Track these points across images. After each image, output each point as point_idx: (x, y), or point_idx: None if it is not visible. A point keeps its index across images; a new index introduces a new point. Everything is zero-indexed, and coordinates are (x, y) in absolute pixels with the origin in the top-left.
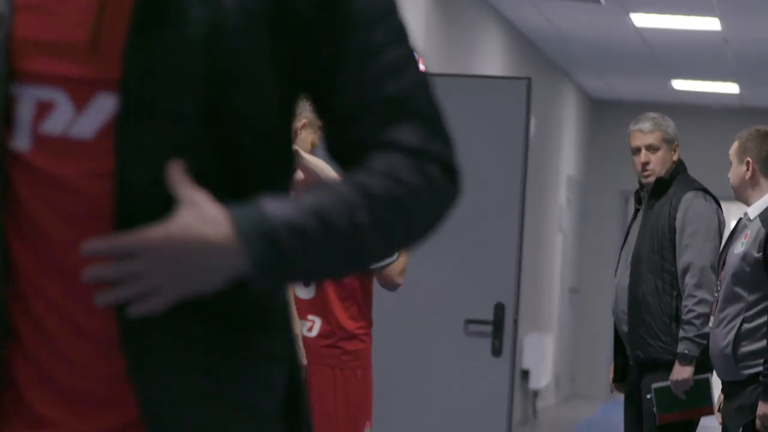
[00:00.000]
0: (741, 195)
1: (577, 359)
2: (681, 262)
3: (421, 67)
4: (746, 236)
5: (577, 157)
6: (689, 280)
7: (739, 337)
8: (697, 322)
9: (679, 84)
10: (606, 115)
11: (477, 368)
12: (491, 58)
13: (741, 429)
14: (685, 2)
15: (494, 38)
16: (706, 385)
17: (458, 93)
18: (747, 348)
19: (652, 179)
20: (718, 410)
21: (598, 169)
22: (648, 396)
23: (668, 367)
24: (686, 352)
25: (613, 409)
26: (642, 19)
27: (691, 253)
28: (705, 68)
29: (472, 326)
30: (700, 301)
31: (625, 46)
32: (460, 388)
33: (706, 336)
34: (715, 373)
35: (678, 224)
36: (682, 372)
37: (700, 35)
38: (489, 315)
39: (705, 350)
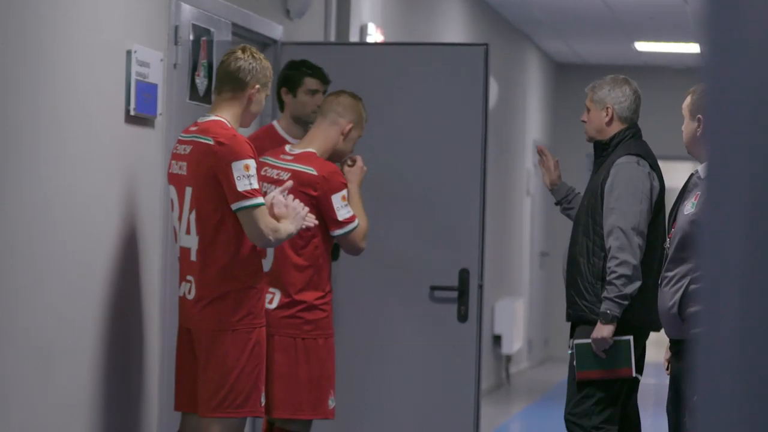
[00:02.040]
0: (692, 151)
1: (549, 323)
2: (606, 225)
3: (380, 37)
4: (696, 197)
5: (543, 121)
6: (612, 242)
7: (686, 298)
8: (618, 282)
9: (642, 45)
10: (570, 78)
11: (444, 334)
12: (452, 26)
13: None
14: None
15: (454, 4)
16: (627, 347)
17: (417, 61)
18: (695, 309)
19: (586, 137)
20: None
21: (564, 133)
22: (570, 351)
23: (592, 326)
24: (607, 311)
25: None
26: None
27: (616, 216)
28: (666, 29)
29: (438, 293)
30: (622, 263)
31: (586, 9)
32: (427, 354)
33: (627, 297)
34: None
35: (607, 187)
36: (602, 330)
37: None
38: (454, 281)
39: (628, 311)
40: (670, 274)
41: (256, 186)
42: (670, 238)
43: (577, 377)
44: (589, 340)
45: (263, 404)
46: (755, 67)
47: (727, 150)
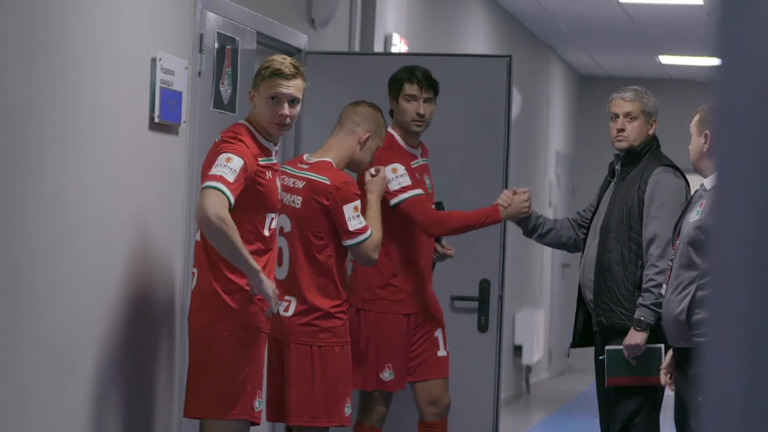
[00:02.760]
0: (698, 166)
1: (570, 333)
2: (647, 233)
3: (404, 47)
4: (701, 205)
5: (566, 133)
6: (653, 250)
7: (694, 304)
8: (656, 291)
9: (666, 59)
10: (594, 91)
11: (464, 344)
12: (476, 37)
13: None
14: None
15: (478, 16)
16: (658, 354)
17: (440, 72)
18: (701, 315)
19: (623, 145)
20: (669, 377)
21: (587, 144)
22: (600, 357)
23: (627, 334)
24: (642, 318)
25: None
26: None
27: (658, 225)
28: (690, 42)
29: (458, 303)
30: (661, 271)
31: (610, 21)
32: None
33: (662, 305)
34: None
35: (647, 196)
36: (635, 337)
37: (684, 9)
38: (475, 291)
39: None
40: (677, 281)
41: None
42: (674, 249)
43: (607, 383)
44: (621, 347)
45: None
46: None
47: (735, 157)
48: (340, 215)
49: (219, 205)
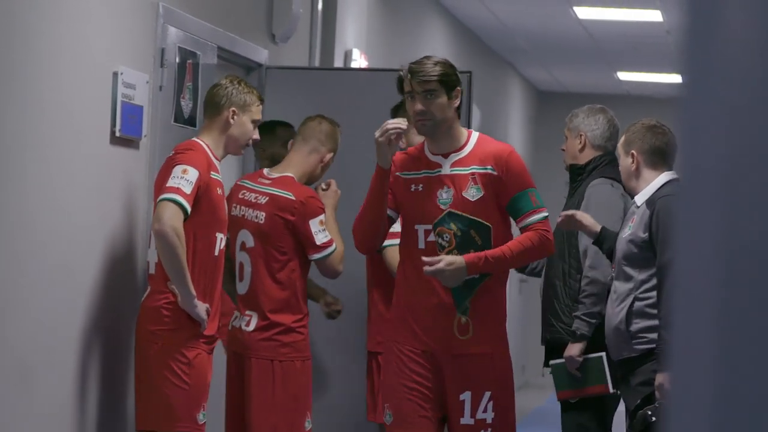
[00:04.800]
0: (628, 185)
1: (526, 349)
2: (581, 245)
3: (364, 62)
4: (633, 221)
5: (525, 148)
6: (586, 261)
7: (631, 314)
8: (587, 301)
9: (625, 75)
10: (552, 107)
11: None
12: (436, 52)
13: (639, 401)
14: None
15: (438, 31)
16: (601, 363)
17: None
18: (640, 325)
19: (565, 167)
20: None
21: (545, 160)
22: (550, 372)
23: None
24: (576, 329)
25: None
26: (585, 12)
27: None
28: (648, 59)
29: None
30: (592, 282)
31: (569, 38)
32: None
33: (596, 315)
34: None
35: (582, 208)
36: (571, 349)
37: (643, 26)
38: None
39: (600, 328)
40: (615, 295)
41: None
42: (614, 269)
43: (558, 397)
44: (563, 360)
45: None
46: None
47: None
48: (307, 230)
49: (175, 218)
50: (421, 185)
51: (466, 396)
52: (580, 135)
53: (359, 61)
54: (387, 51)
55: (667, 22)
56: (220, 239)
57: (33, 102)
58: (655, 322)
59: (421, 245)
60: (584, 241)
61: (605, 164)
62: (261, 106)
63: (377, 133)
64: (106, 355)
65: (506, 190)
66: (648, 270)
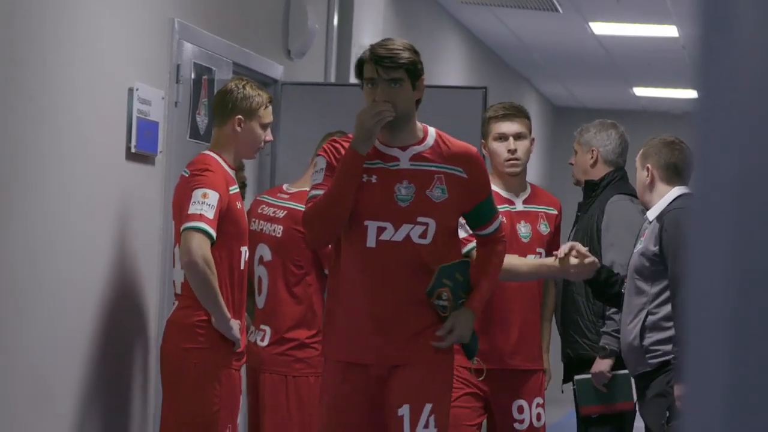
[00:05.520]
0: (642, 199)
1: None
2: (605, 260)
3: None
4: (644, 235)
5: (541, 164)
6: None
7: (645, 329)
8: (617, 317)
9: (640, 90)
10: (568, 122)
11: None
12: (452, 68)
13: (667, 413)
14: (642, 10)
15: (454, 47)
16: (627, 380)
17: None
18: (653, 338)
19: (573, 182)
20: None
21: (562, 176)
22: (573, 387)
23: (587, 363)
24: (605, 345)
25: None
26: (601, 27)
27: (615, 252)
28: (664, 75)
29: None
30: None
31: (585, 53)
32: None
33: None
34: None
35: (603, 225)
36: (600, 364)
37: (659, 42)
38: None
39: None
40: (628, 309)
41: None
42: (626, 282)
43: (581, 413)
44: (589, 376)
45: None
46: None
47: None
48: None
49: (203, 246)
50: (374, 176)
51: (404, 410)
52: (592, 150)
53: None
54: None
55: (682, 37)
56: (244, 252)
57: (49, 118)
58: (668, 334)
59: (371, 243)
60: (609, 256)
61: (619, 179)
62: (270, 108)
63: (367, 115)
64: (124, 372)
65: (473, 196)
66: (660, 283)
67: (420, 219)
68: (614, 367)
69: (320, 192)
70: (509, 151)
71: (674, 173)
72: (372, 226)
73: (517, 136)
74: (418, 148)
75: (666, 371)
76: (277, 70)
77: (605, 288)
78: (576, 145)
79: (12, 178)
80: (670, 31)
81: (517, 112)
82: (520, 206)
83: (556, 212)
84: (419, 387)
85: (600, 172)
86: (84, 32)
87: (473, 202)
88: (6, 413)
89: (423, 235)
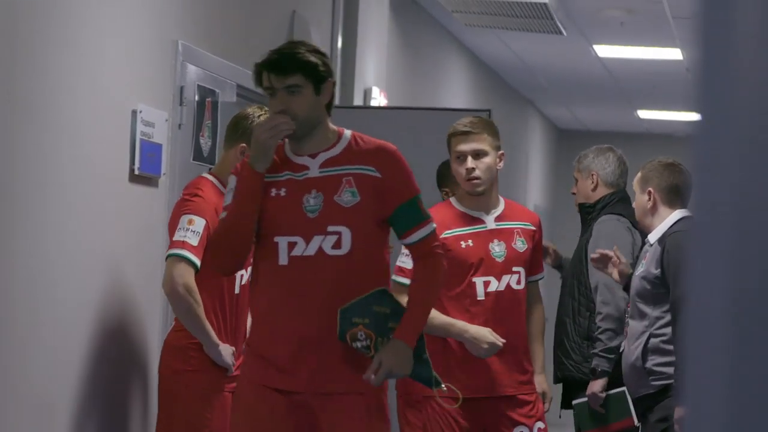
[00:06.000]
0: (643, 222)
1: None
2: (591, 281)
3: (384, 101)
4: (646, 258)
5: (545, 187)
6: (598, 297)
7: (647, 351)
8: (603, 337)
9: (645, 113)
10: (573, 145)
11: None
12: (456, 90)
13: None
14: (646, 34)
15: (458, 69)
16: (623, 398)
17: (420, 125)
18: (656, 360)
19: (578, 210)
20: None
21: (565, 198)
22: (574, 412)
23: (583, 385)
24: (596, 366)
25: None
26: (605, 50)
27: (599, 273)
28: (668, 97)
29: None
30: (606, 317)
31: (589, 76)
32: None
33: (613, 350)
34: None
35: (590, 245)
36: (593, 386)
37: (663, 65)
38: None
39: (618, 364)
40: (631, 332)
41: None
42: (628, 307)
43: None
44: (585, 399)
45: None
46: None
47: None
48: None
49: (186, 275)
50: (283, 189)
51: None
52: (592, 175)
53: (379, 99)
54: (407, 89)
55: (686, 60)
56: (241, 275)
57: (52, 141)
58: (671, 357)
59: (283, 261)
60: (595, 277)
61: (615, 202)
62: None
63: (262, 129)
64: (123, 392)
65: (391, 197)
66: (661, 306)
67: (331, 228)
68: (609, 387)
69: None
70: (467, 170)
71: (676, 196)
72: (282, 242)
73: (476, 154)
74: (328, 154)
75: (669, 395)
76: None
77: None
78: (576, 173)
79: (14, 199)
80: (674, 54)
81: (475, 128)
82: (491, 224)
83: (533, 228)
84: (351, 419)
85: (600, 195)
86: (87, 54)
87: (392, 204)
88: (6, 430)
89: (337, 246)
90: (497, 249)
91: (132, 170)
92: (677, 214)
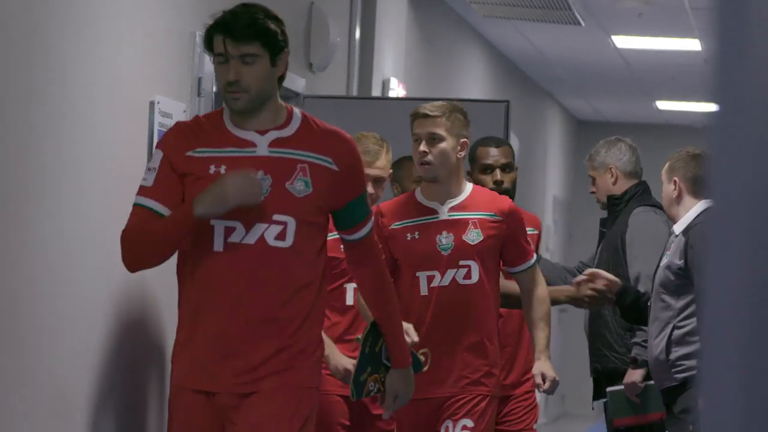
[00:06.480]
0: (669, 212)
1: (566, 378)
2: (631, 273)
3: (402, 92)
4: (670, 249)
5: (563, 178)
6: (640, 288)
7: (671, 343)
8: (645, 327)
9: (663, 104)
10: (591, 136)
11: None
12: (474, 81)
13: (691, 428)
14: (665, 24)
15: (476, 60)
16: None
17: None
18: (679, 352)
19: (601, 206)
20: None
21: (584, 190)
22: (604, 400)
23: (617, 376)
24: (636, 356)
25: (603, 428)
26: (623, 41)
27: (640, 263)
28: (687, 88)
29: None
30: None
31: (607, 67)
32: None
33: None
34: None
35: (628, 237)
36: (632, 375)
37: (681, 56)
38: None
39: None
40: (654, 324)
41: None
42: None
43: (615, 425)
44: (621, 387)
45: None
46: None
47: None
48: None
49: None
50: (224, 167)
51: None
52: (610, 169)
53: (397, 90)
54: (425, 80)
55: (705, 51)
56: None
57: (69, 131)
58: (694, 348)
59: (218, 247)
60: (635, 268)
61: (641, 193)
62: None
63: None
64: (143, 382)
65: (345, 192)
66: (685, 297)
67: (276, 217)
68: (646, 378)
69: (146, 203)
70: (419, 153)
71: (701, 186)
72: (219, 226)
73: (431, 139)
74: (280, 133)
75: (692, 386)
76: (299, 83)
77: (633, 310)
78: (591, 171)
79: (32, 192)
80: (692, 44)
81: (434, 112)
82: (444, 215)
83: (498, 218)
84: (269, 422)
85: (622, 186)
86: (105, 45)
87: (345, 199)
88: (25, 421)
89: (281, 237)
90: (444, 241)
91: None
92: (702, 205)
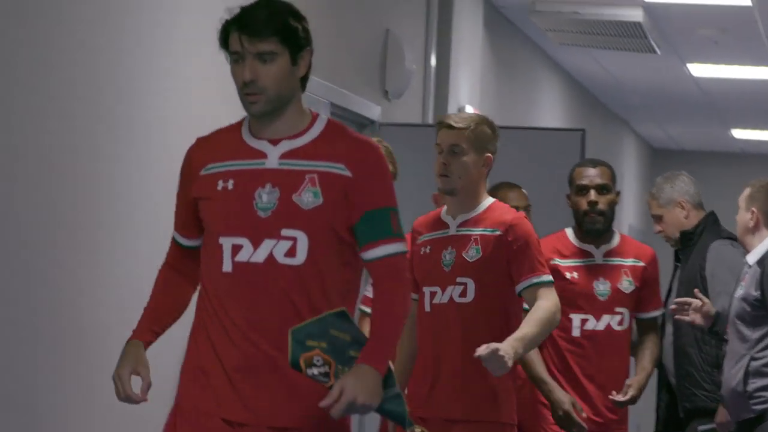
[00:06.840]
0: (742, 240)
1: (638, 408)
2: (716, 308)
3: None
4: (745, 280)
5: (639, 207)
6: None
7: (748, 375)
8: None
9: (739, 133)
10: (667, 164)
11: None
12: (549, 109)
13: None
14: (740, 52)
15: (551, 88)
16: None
17: (514, 144)
18: (757, 384)
19: (671, 243)
20: None
21: None
22: None
23: (707, 414)
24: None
25: None
26: (699, 69)
27: (725, 299)
28: (763, 117)
29: None
30: None
31: (683, 95)
32: None
33: None
34: None
35: (708, 272)
36: (724, 414)
37: (758, 84)
38: None
39: None
40: (731, 356)
41: None
42: (728, 329)
43: None
44: (713, 425)
45: None
46: None
47: None
48: None
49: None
50: (231, 181)
51: None
52: (680, 203)
53: None
54: (500, 107)
55: None
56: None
57: (143, 161)
58: None
59: (227, 267)
60: (719, 303)
61: (712, 223)
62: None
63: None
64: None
65: (360, 201)
66: (762, 328)
67: (285, 232)
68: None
69: (174, 233)
70: (439, 164)
71: None
72: (227, 243)
73: (452, 150)
74: (293, 143)
75: None
76: (374, 110)
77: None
78: (656, 210)
79: (105, 199)
80: None
81: (458, 123)
82: (452, 230)
83: (499, 232)
84: None
85: (694, 219)
86: (176, 74)
87: (360, 209)
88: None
89: (291, 254)
90: (447, 258)
91: None
92: None
